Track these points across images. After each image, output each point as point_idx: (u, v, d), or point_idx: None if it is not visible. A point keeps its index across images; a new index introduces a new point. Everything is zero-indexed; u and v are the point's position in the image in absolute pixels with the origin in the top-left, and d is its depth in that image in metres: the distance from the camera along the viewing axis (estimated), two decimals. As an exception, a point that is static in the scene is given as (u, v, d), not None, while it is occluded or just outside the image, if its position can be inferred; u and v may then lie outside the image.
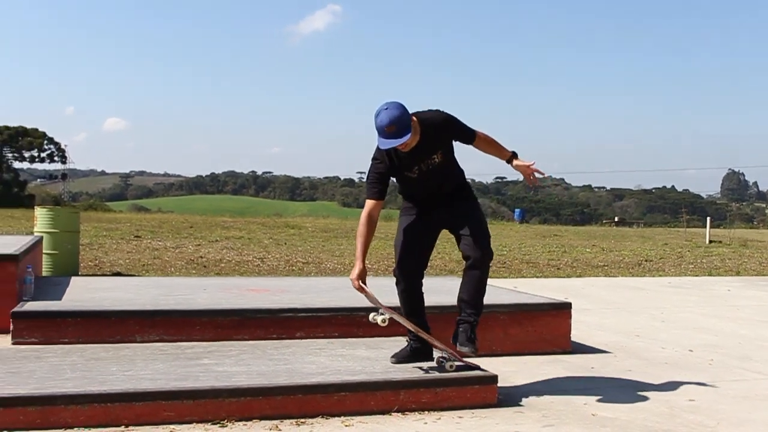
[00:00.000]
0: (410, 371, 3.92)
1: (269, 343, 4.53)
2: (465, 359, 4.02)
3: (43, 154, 60.97)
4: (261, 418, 3.44)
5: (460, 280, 4.03)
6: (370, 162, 3.95)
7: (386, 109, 3.71)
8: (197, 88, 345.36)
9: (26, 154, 60.14)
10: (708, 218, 23.44)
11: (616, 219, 52.08)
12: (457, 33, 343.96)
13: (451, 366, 3.94)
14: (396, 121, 3.68)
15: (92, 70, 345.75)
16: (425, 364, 4.02)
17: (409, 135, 3.72)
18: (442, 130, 3.92)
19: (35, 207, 10.21)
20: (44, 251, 8.23)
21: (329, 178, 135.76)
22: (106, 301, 4.99)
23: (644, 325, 6.83)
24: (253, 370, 3.83)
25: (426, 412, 3.68)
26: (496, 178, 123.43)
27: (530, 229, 25.35)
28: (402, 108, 3.74)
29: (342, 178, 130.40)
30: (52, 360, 3.91)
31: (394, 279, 4.06)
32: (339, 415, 3.55)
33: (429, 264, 4.19)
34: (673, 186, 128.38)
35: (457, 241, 3.99)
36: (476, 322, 3.95)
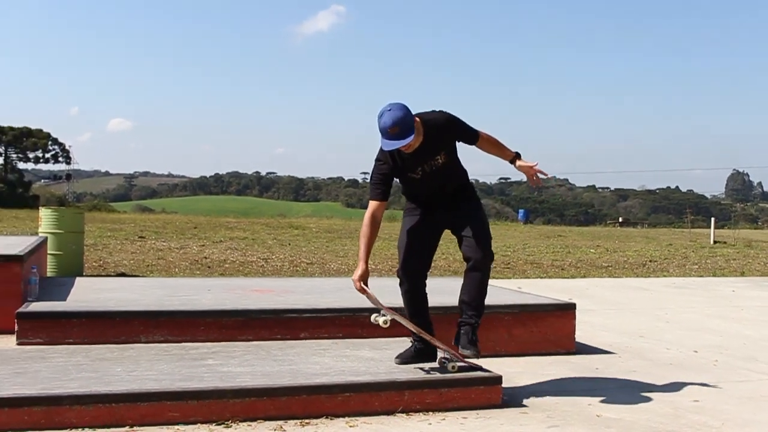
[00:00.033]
0: (414, 372, 3.92)
1: (273, 344, 4.54)
2: (467, 360, 4.02)
3: (47, 155, 61.09)
4: (265, 419, 3.44)
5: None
6: (374, 163, 3.94)
7: (389, 110, 3.71)
8: (201, 88, 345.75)
9: (31, 155, 60.29)
10: (712, 219, 23.45)
11: (620, 219, 51.93)
12: (457, 33, 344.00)
13: (453, 367, 3.94)
14: (399, 123, 3.68)
15: (97, 70, 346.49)
16: (429, 365, 4.02)
17: (412, 136, 3.72)
18: (445, 130, 3.92)
19: (40, 207, 10.24)
20: (49, 252, 8.26)
21: (333, 179, 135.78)
22: (110, 302, 5.00)
23: (649, 326, 6.81)
24: (258, 370, 3.84)
25: (430, 413, 3.68)
26: (500, 178, 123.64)
27: (534, 230, 25.35)
28: (405, 109, 3.74)
29: (346, 178, 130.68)
30: (57, 360, 3.92)
31: (398, 280, 4.07)
32: (343, 416, 3.55)
33: (433, 264, 4.18)
34: (677, 186, 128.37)
35: (459, 242, 3.99)
36: (477, 324, 3.95)
